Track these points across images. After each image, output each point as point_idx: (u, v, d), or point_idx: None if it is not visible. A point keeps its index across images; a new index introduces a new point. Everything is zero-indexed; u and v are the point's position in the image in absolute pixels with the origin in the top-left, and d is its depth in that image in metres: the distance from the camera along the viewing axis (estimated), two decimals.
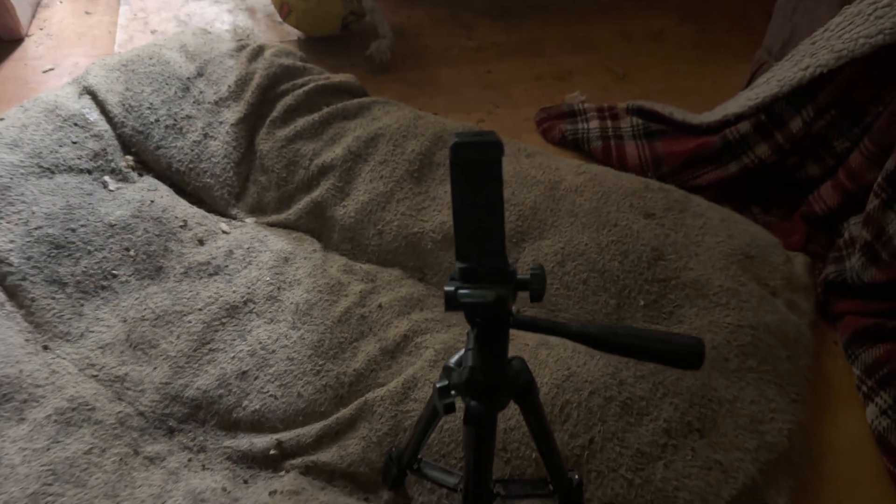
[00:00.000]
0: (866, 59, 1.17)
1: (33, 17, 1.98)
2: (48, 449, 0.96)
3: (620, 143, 1.49)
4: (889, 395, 1.11)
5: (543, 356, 1.08)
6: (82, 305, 1.17)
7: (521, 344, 1.13)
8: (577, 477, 0.89)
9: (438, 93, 1.76)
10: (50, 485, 0.92)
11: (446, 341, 1.12)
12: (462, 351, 0.64)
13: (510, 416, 0.98)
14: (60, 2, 2.05)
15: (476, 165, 0.49)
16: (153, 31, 1.91)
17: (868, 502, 1.05)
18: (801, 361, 1.14)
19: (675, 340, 0.56)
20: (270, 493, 0.92)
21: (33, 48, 1.87)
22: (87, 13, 2.01)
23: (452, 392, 0.65)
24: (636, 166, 1.45)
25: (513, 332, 0.60)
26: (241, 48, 1.62)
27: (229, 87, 1.49)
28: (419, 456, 0.88)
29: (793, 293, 1.24)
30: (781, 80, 1.25)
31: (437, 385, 0.66)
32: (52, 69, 1.79)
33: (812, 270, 1.29)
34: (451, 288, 0.52)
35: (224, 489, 0.95)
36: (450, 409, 0.65)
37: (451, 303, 0.51)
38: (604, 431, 0.98)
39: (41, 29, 1.94)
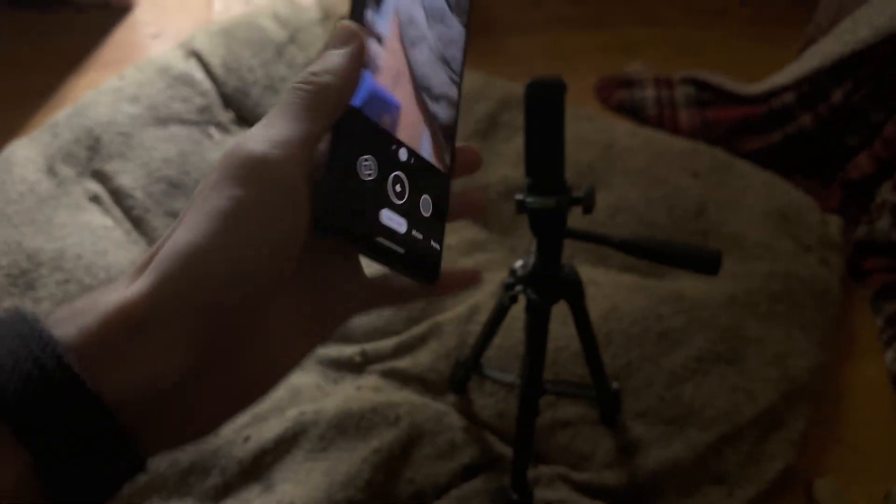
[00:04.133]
0: None
1: None
2: None
3: (673, 111, 1.61)
4: None
5: (591, 293, 1.23)
6: None
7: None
8: (616, 385, 1.04)
9: (506, 62, 1.90)
10: None
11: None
12: (525, 255, 0.80)
13: (558, 336, 1.14)
14: None
15: (544, 98, 0.63)
16: (247, 2, 2.11)
17: (883, 436, 1.16)
18: (829, 311, 1.26)
19: (697, 247, 0.71)
20: (357, 388, 1.11)
21: (141, 15, 2.08)
22: None
23: (517, 287, 0.81)
24: (687, 132, 1.57)
25: None
26: (326, 17, 1.79)
27: (318, 52, 1.67)
28: (481, 361, 1.04)
29: (825, 251, 1.35)
30: (825, 55, 1.36)
31: (504, 282, 0.82)
32: (158, 35, 2.00)
33: (845, 232, 1.40)
34: (521, 197, 0.67)
35: (318, 385, 1.13)
36: (513, 299, 0.82)
37: (521, 207, 0.67)
38: (641, 355, 1.13)
39: None
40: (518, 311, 0.91)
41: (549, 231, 0.72)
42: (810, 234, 1.36)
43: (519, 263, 0.82)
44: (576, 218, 0.71)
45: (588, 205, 0.70)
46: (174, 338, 0.26)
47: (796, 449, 1.10)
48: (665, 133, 1.54)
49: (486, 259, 1.33)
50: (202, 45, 1.69)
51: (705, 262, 0.70)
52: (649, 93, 1.67)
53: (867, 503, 1.10)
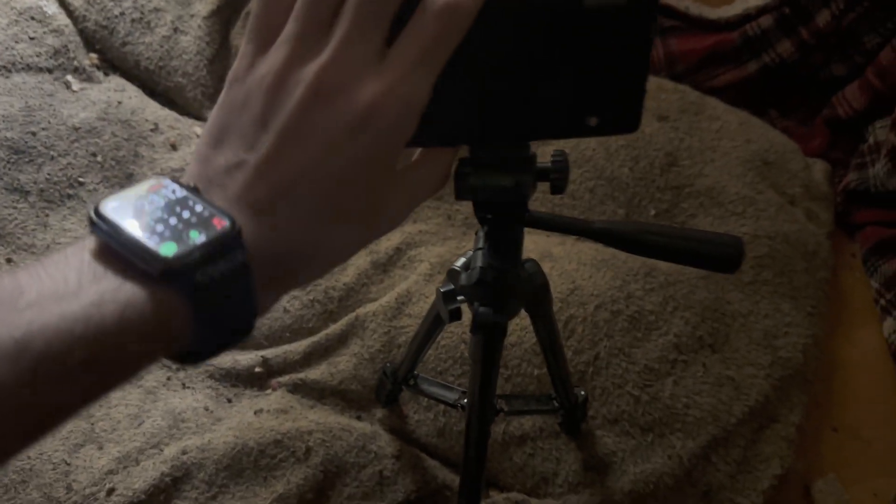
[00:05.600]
0: None
1: None
2: None
3: None
4: None
5: (547, 269, 1.01)
6: (47, 216, 1.08)
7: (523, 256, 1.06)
8: (582, 393, 0.83)
9: None
10: None
11: (442, 255, 1.04)
12: (469, 253, 0.56)
13: (511, 332, 0.92)
14: None
15: None
16: None
17: (883, 418, 1.01)
18: (819, 274, 1.08)
19: (714, 240, 0.48)
20: (256, 412, 0.87)
21: None
22: None
23: (459, 297, 0.58)
24: None
25: None
26: None
27: None
28: (415, 371, 0.81)
29: (812, 202, 1.16)
30: None
31: (442, 289, 0.58)
32: None
33: (832, 178, 1.21)
34: (463, 171, 0.43)
35: (206, 408, 0.89)
36: (455, 315, 0.58)
37: (463, 190, 0.43)
38: (610, 347, 0.92)
39: None
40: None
41: (505, 222, 0.49)
42: (794, 182, 1.16)
43: (461, 262, 0.57)
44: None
45: (559, 181, 0.46)
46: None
47: (793, 447, 0.92)
48: None
49: (418, 231, 1.09)
50: None
51: (725, 259, 0.48)
52: None
53: (874, 503, 0.94)
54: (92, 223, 0.25)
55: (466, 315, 0.57)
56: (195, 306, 0.25)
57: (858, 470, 0.97)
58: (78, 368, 0.22)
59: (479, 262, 0.53)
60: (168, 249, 0.24)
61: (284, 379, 0.92)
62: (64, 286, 0.23)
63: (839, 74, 1.23)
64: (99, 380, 0.24)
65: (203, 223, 0.25)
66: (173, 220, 0.25)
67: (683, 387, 0.91)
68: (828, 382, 1.04)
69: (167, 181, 0.27)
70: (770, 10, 1.24)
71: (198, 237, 0.25)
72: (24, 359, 0.21)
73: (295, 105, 0.27)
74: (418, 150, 0.35)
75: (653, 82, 1.23)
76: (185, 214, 0.26)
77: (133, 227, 0.25)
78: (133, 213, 0.25)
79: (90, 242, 0.25)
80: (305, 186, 0.27)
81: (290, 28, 0.28)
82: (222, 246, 0.25)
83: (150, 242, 0.24)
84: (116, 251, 0.25)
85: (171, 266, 0.24)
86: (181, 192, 0.26)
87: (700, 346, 0.95)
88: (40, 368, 0.22)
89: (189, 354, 0.26)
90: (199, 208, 0.26)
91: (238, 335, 0.27)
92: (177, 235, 0.25)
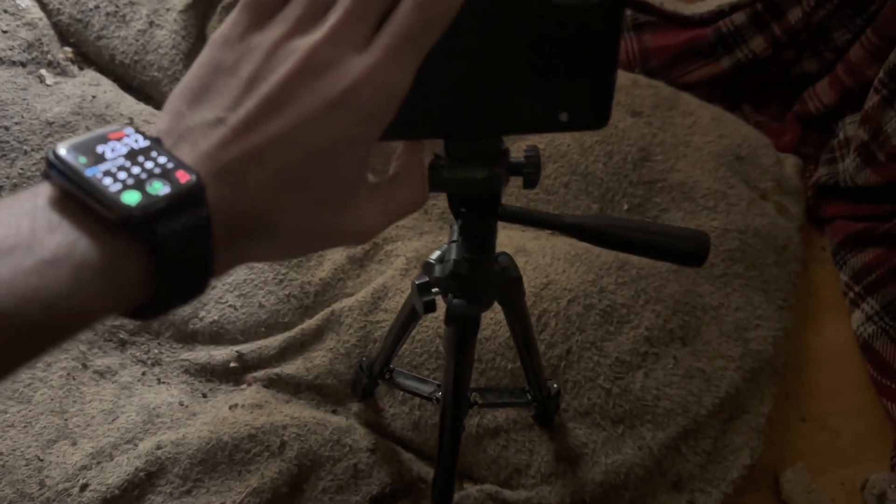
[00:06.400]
0: None
1: None
2: None
3: None
4: (876, 300, 1.07)
5: (521, 264, 1.02)
6: None
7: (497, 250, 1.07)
8: (555, 386, 0.84)
9: None
10: None
11: (418, 249, 1.05)
12: (444, 246, 0.57)
13: (485, 326, 0.92)
14: None
15: None
16: None
17: (851, 409, 1.03)
18: (789, 267, 1.09)
19: (680, 234, 0.49)
20: (231, 407, 0.87)
21: None
22: None
23: (434, 289, 0.58)
24: (623, 61, 1.34)
25: None
26: None
27: None
28: (391, 365, 0.82)
29: (783, 196, 1.18)
30: None
31: (417, 282, 0.59)
32: None
33: (803, 173, 1.23)
34: (437, 164, 0.43)
35: (181, 403, 0.89)
36: (430, 307, 0.59)
37: (436, 182, 0.43)
38: (582, 341, 0.93)
39: None
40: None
41: (478, 215, 0.50)
42: (765, 177, 1.18)
43: (435, 255, 0.58)
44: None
45: (531, 175, 0.48)
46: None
47: (763, 438, 0.94)
48: None
49: (394, 225, 1.10)
50: None
51: (691, 253, 0.49)
52: None
53: (841, 492, 0.96)
54: (50, 165, 0.25)
55: (441, 308, 0.58)
56: (155, 260, 0.24)
57: (826, 459, 0.99)
58: (29, 325, 0.22)
59: (453, 255, 0.54)
60: (130, 198, 0.24)
61: (260, 374, 0.92)
62: (16, 235, 0.23)
63: (810, 70, 1.25)
64: (49, 336, 0.23)
65: (166, 175, 0.25)
66: (136, 169, 0.25)
67: (654, 379, 0.93)
68: (797, 374, 1.05)
69: (130, 130, 0.27)
70: (743, 6, 1.25)
71: (161, 188, 0.24)
72: None
73: (283, 74, 0.28)
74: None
75: (627, 78, 1.24)
76: (149, 165, 0.25)
77: (93, 172, 0.24)
78: (94, 158, 0.25)
79: (45, 189, 0.25)
80: (278, 153, 0.28)
81: (290, 9, 0.29)
82: (186, 200, 0.25)
83: (111, 188, 0.24)
84: (74, 198, 0.24)
85: (133, 215, 0.24)
86: (144, 142, 0.26)
87: (671, 339, 0.96)
88: None
89: (137, 311, 0.26)
90: (162, 160, 0.26)
91: (191, 295, 0.27)
92: (139, 184, 0.24)
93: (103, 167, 0.25)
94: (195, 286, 0.27)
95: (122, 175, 0.25)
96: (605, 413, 0.90)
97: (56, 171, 0.24)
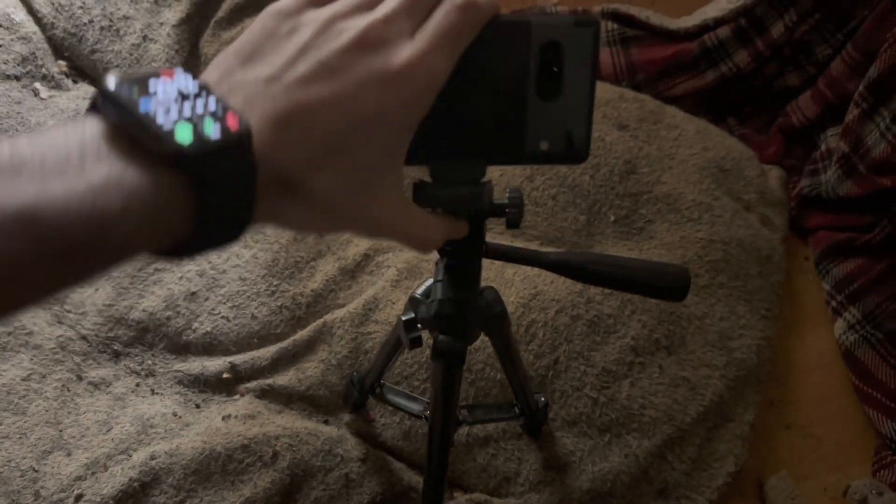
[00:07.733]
0: None
1: None
2: None
3: None
4: (858, 309, 1.09)
5: (510, 275, 1.04)
6: None
7: (488, 262, 1.08)
8: (542, 399, 0.86)
9: None
10: None
11: (409, 261, 1.06)
12: (429, 281, 0.58)
13: None
14: None
15: None
16: None
17: (833, 417, 1.05)
18: (773, 278, 1.12)
19: (661, 270, 0.51)
20: (224, 418, 0.88)
21: None
22: None
23: (419, 325, 0.60)
24: (610, 75, 1.37)
25: None
26: None
27: None
28: (381, 381, 0.84)
29: (766, 207, 1.21)
30: None
31: (403, 318, 0.60)
32: None
33: (787, 184, 1.25)
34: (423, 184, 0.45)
35: (175, 414, 0.90)
36: (416, 343, 0.60)
37: (423, 199, 0.45)
38: (569, 351, 0.95)
39: None
40: None
41: (463, 255, 0.51)
42: (749, 188, 1.20)
43: (421, 290, 0.59)
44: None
45: (514, 216, 0.49)
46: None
47: (747, 445, 0.96)
48: None
49: None
50: None
51: (672, 290, 0.51)
52: None
53: (824, 498, 0.98)
54: (104, 96, 0.25)
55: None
56: (201, 199, 0.25)
57: (809, 466, 1.01)
58: (75, 245, 0.23)
59: (438, 295, 0.55)
60: (183, 135, 0.24)
61: (252, 385, 0.94)
62: (66, 161, 0.23)
63: (793, 84, 1.27)
64: (89, 260, 0.24)
65: (217, 118, 0.25)
66: (187, 109, 0.25)
67: (640, 388, 0.94)
68: (781, 382, 1.08)
69: (179, 70, 0.27)
70: (728, 21, 1.27)
71: (212, 129, 0.25)
72: (31, 230, 0.22)
73: (340, 45, 0.29)
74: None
75: (614, 91, 1.26)
76: (199, 105, 0.26)
77: (146, 107, 0.24)
78: (147, 93, 0.25)
79: (93, 121, 0.25)
80: (325, 115, 0.29)
81: None
82: (236, 145, 0.25)
83: (165, 125, 0.24)
84: (122, 129, 0.25)
85: (184, 153, 0.24)
86: (194, 86, 0.26)
87: (656, 349, 0.98)
88: (44, 243, 0.22)
89: (173, 249, 0.27)
90: (212, 104, 0.26)
91: (226, 238, 0.28)
92: (191, 123, 0.25)
93: (156, 103, 0.25)
94: (232, 230, 0.27)
95: (173, 113, 0.25)
96: (592, 422, 0.92)
97: (109, 102, 0.25)
